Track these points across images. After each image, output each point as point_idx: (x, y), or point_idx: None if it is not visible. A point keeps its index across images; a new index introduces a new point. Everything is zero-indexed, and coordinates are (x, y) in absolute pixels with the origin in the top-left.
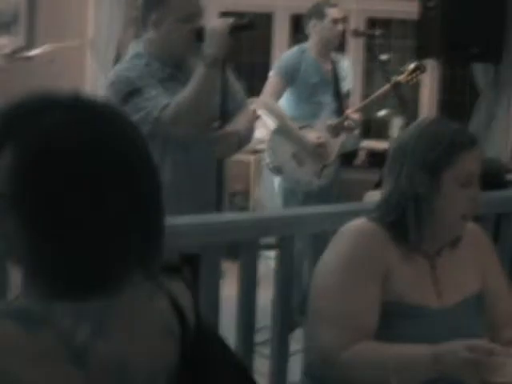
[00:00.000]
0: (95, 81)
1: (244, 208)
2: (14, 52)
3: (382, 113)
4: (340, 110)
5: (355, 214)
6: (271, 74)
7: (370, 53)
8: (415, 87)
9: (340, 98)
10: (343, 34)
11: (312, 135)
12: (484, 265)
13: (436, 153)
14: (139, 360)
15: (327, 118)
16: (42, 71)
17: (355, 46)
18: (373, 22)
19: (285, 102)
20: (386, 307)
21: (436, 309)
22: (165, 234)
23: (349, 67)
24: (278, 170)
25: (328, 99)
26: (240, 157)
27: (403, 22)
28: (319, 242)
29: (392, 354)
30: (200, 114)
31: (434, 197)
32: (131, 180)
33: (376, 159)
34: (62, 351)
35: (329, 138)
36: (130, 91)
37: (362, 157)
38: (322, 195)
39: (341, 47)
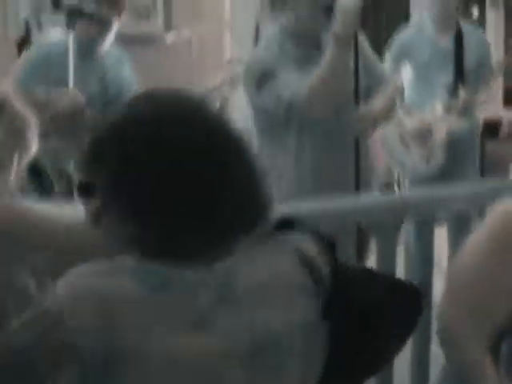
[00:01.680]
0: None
1: (389, 183)
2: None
3: None
4: (455, 89)
5: (496, 192)
6: (386, 53)
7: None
8: None
9: (459, 75)
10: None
11: (416, 118)
12: None
13: None
14: (270, 317)
15: (439, 98)
16: (180, 55)
17: (495, 15)
18: None
19: (404, 81)
20: None
21: None
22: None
23: (480, 40)
24: (391, 157)
25: (444, 78)
26: None
27: None
28: (459, 223)
29: None
30: (333, 95)
31: None
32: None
33: None
34: (187, 314)
35: (436, 120)
36: (265, 73)
37: (505, 128)
38: (430, 181)
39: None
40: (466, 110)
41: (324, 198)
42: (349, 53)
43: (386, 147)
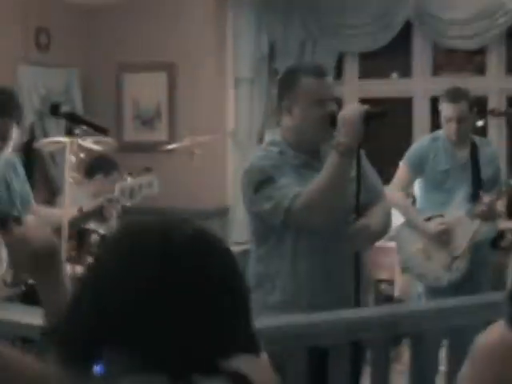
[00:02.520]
0: (237, 173)
1: (389, 296)
2: (156, 145)
3: None
4: (475, 197)
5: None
6: (400, 164)
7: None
8: None
9: (477, 184)
10: (459, 133)
11: (436, 224)
12: None
13: None
14: None
15: (458, 206)
16: (183, 164)
17: (497, 125)
18: None
19: (418, 191)
20: None
21: None
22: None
23: (493, 152)
24: (405, 267)
25: (461, 186)
26: (386, 244)
27: None
28: (456, 336)
29: None
30: (332, 203)
31: None
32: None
33: None
34: None
35: (457, 226)
36: (263, 180)
37: (509, 239)
38: (452, 290)
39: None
40: (489, 217)
41: (313, 315)
42: (350, 163)
43: (402, 257)
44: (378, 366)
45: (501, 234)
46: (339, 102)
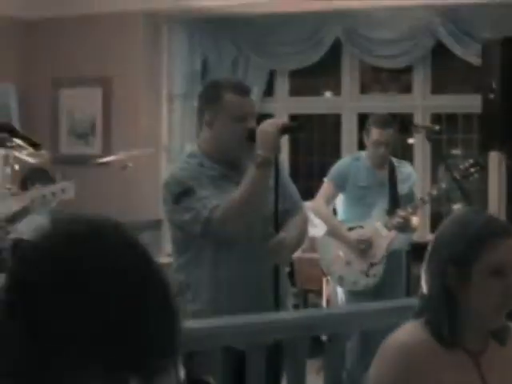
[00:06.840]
0: None
1: (317, 305)
2: (90, 158)
3: (455, 207)
4: (392, 211)
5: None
6: (325, 180)
7: (436, 149)
8: (483, 180)
9: (394, 200)
10: (384, 156)
11: (356, 233)
12: None
13: (463, 244)
14: None
15: (377, 219)
16: (116, 177)
17: (421, 142)
18: (438, 118)
19: (339, 205)
20: None
21: None
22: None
23: (410, 172)
24: (326, 273)
25: (380, 201)
26: (313, 255)
27: (468, 117)
28: (368, 340)
29: None
30: (249, 214)
31: (466, 289)
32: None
33: None
34: None
35: (376, 236)
36: (182, 191)
37: None
38: (369, 295)
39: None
40: (404, 228)
41: (232, 316)
42: (267, 175)
43: (323, 263)
44: (294, 366)
45: (424, 246)
46: (270, 118)
